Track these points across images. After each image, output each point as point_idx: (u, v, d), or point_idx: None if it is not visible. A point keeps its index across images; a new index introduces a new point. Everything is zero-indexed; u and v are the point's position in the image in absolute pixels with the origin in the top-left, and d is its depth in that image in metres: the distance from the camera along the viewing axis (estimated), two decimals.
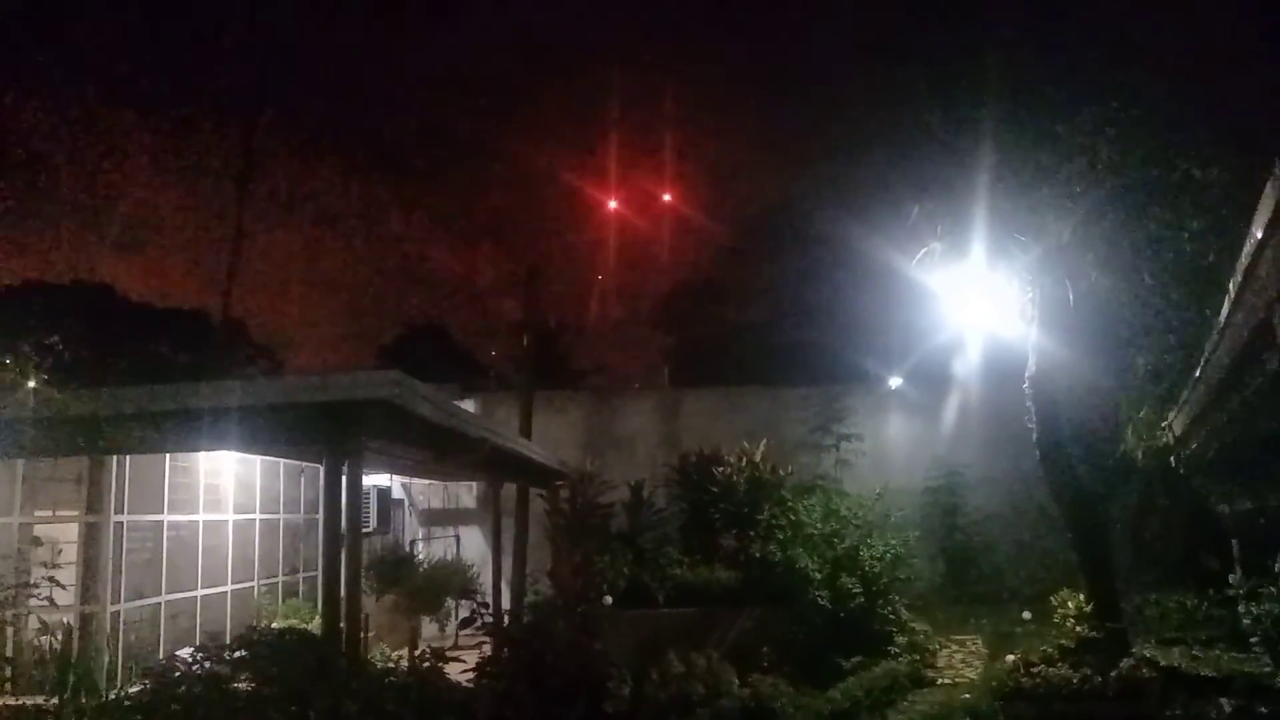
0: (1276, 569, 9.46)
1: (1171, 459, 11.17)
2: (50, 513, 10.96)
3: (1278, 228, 4.42)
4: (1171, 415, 10.18)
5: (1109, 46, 10.45)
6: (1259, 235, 4.67)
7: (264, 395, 8.01)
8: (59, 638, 10.23)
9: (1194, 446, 10.11)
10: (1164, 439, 10.82)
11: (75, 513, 10.89)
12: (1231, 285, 5.61)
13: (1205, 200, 9.39)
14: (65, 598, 10.16)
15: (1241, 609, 9.97)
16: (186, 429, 7.98)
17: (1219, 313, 6.35)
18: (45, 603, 8.16)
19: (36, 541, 9.66)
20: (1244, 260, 5.02)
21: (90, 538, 10.80)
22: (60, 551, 9.59)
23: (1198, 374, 7.75)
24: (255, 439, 9.10)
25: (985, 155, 10.08)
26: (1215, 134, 9.67)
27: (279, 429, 8.19)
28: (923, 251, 10.81)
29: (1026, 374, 10.93)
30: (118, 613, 10.84)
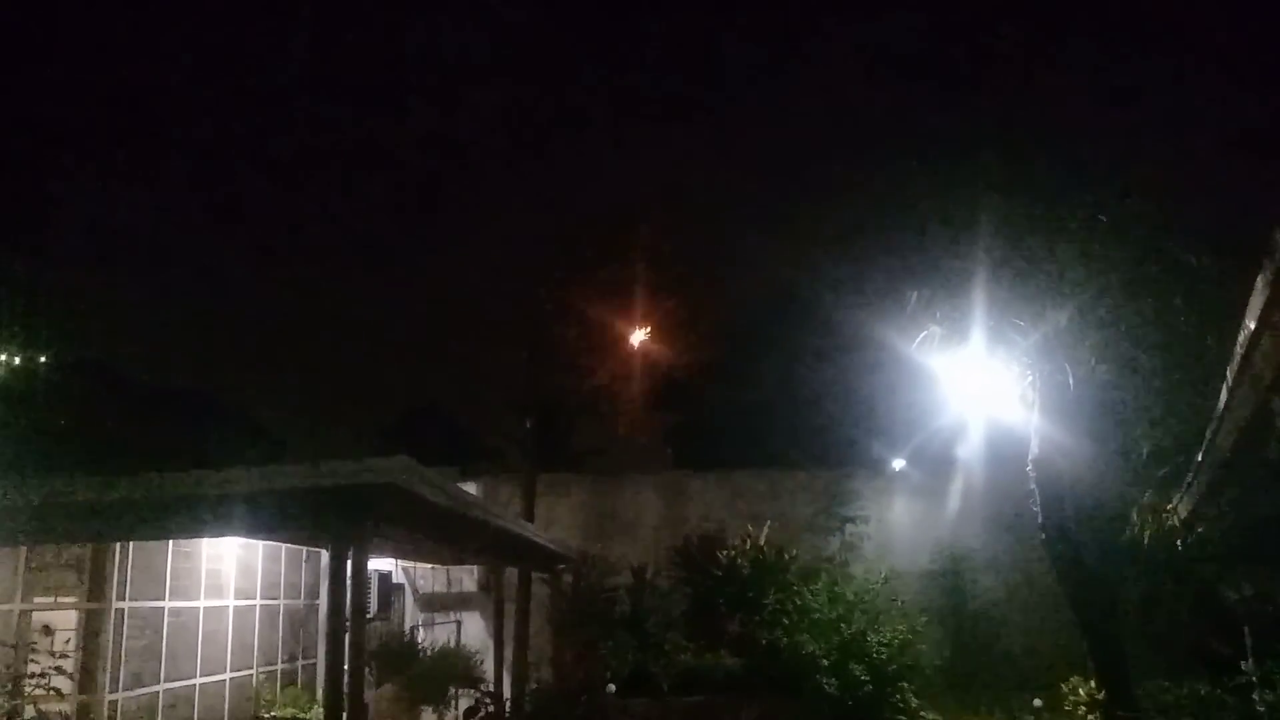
0: None
1: (1178, 543, 11.10)
2: (52, 599, 10.88)
3: (1270, 321, 4.53)
4: (1176, 499, 10.16)
5: (1102, 136, 10.73)
6: (1252, 327, 4.78)
7: (272, 481, 8.01)
8: None
9: (1200, 531, 10.08)
10: (1170, 522, 10.78)
11: (76, 599, 10.81)
12: (1228, 374, 5.70)
13: (1199, 287, 9.53)
14: (62, 685, 10.05)
15: (1255, 696, 9.81)
16: (193, 515, 7.99)
17: (1218, 397, 6.40)
18: (51, 692, 8.06)
19: (48, 630, 9.55)
20: (1239, 351, 5.13)
21: (90, 625, 10.70)
22: (68, 641, 9.49)
23: (1200, 459, 7.79)
24: (261, 525, 9.11)
25: (981, 242, 10.25)
26: (1206, 221, 9.88)
27: (286, 515, 8.19)
28: (922, 335, 10.93)
29: (1030, 457, 10.93)
30: (115, 701, 10.69)
